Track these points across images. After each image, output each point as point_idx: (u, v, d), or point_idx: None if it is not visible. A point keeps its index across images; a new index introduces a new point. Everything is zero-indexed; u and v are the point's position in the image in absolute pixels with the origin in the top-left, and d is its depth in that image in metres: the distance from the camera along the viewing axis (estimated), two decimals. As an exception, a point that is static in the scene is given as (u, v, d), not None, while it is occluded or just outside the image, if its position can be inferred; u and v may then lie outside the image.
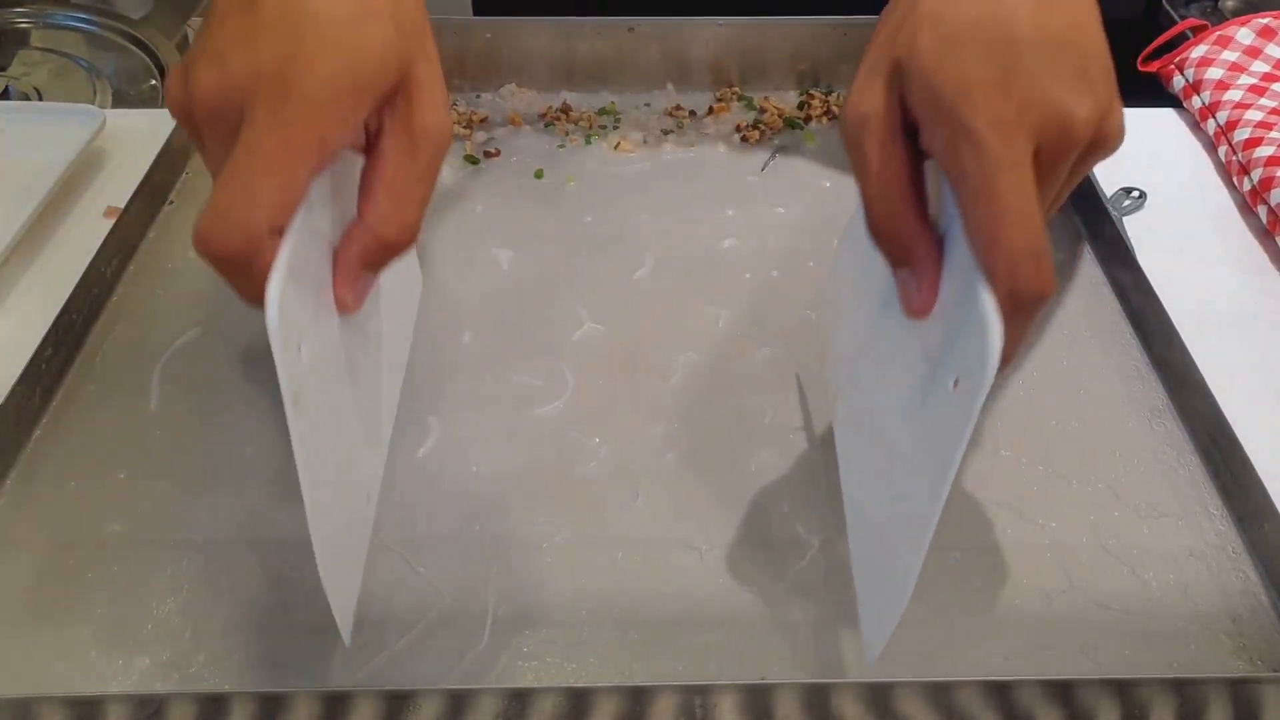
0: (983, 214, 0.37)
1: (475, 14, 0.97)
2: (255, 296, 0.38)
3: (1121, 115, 0.40)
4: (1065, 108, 0.37)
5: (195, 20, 0.84)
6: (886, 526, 0.44)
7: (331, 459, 0.42)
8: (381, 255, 0.41)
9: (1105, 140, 0.40)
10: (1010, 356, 0.39)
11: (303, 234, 0.38)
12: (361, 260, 0.41)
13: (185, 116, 0.39)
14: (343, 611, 0.43)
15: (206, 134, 0.39)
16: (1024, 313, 0.38)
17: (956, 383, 0.39)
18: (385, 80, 0.39)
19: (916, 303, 0.41)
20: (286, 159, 0.37)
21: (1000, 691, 0.43)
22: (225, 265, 0.37)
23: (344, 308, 0.42)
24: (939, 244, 0.41)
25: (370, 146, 0.41)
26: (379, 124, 0.40)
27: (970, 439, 0.37)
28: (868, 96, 0.40)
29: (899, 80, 0.40)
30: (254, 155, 0.37)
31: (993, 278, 0.37)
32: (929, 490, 0.39)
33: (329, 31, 0.38)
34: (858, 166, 0.41)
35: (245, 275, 0.38)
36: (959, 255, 0.39)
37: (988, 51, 0.37)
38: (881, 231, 0.41)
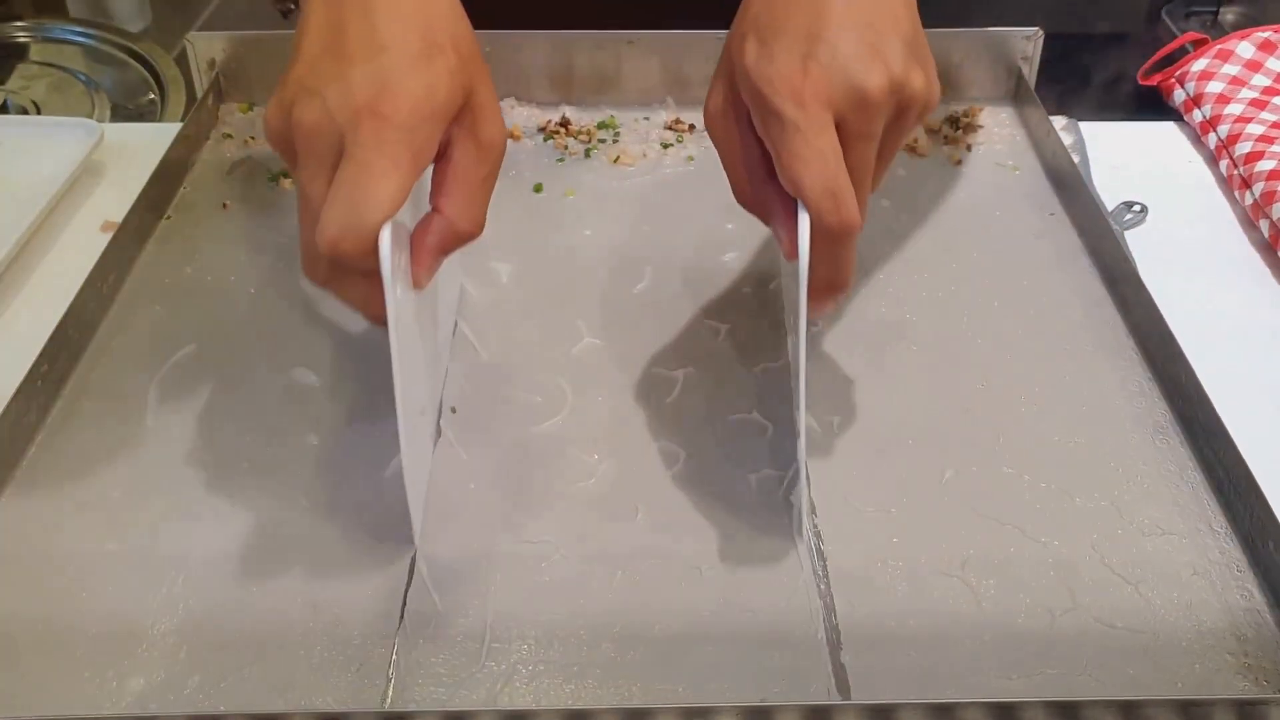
0: (787, 168, 0.46)
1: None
2: (367, 286, 0.46)
3: (925, 80, 0.49)
4: (856, 79, 0.46)
5: (194, 34, 0.84)
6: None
7: (410, 378, 0.49)
8: (454, 243, 0.49)
9: (910, 102, 0.48)
10: (842, 283, 0.50)
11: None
12: (438, 248, 0.49)
13: (284, 143, 0.47)
14: (415, 509, 0.51)
15: (305, 156, 0.46)
16: (838, 242, 0.47)
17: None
18: (455, 103, 0.47)
19: (784, 248, 0.50)
20: (395, 170, 0.44)
21: (1004, 712, 0.43)
22: (350, 259, 0.44)
23: (418, 284, 0.49)
24: (793, 202, 0.49)
25: (441, 155, 0.48)
26: (448, 137, 0.48)
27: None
28: (714, 97, 0.52)
29: (734, 80, 0.50)
30: (367, 170, 0.44)
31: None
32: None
33: (407, 67, 0.45)
34: (718, 154, 0.52)
35: (362, 268, 0.45)
36: None
37: (792, 47, 0.47)
38: (742, 201, 0.52)
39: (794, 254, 0.48)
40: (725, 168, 0.52)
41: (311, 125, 0.45)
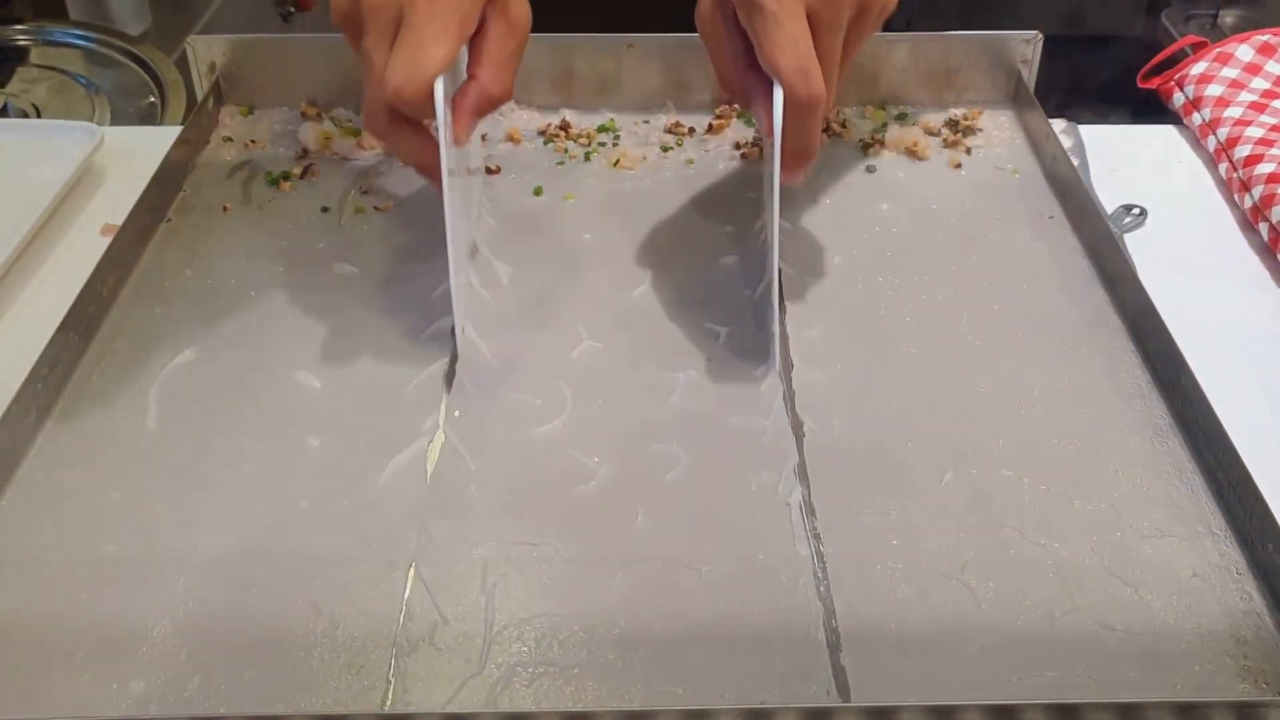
0: (765, 53, 0.55)
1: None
2: (419, 140, 0.58)
3: None
4: None
5: (194, 37, 0.84)
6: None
7: (456, 211, 0.59)
8: (488, 107, 0.59)
9: (870, 3, 0.57)
10: (810, 152, 0.59)
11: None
12: (474, 109, 0.59)
13: (350, 20, 0.57)
14: (458, 315, 0.63)
15: (369, 26, 0.56)
16: (807, 112, 0.56)
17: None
18: None
19: (764, 128, 0.58)
20: (445, 35, 0.55)
21: (1004, 714, 0.43)
22: (410, 105, 0.55)
23: (458, 141, 0.59)
24: (771, 86, 0.56)
25: (476, 34, 0.58)
26: (483, 16, 0.58)
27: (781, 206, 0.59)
28: (703, 1, 0.60)
29: None
30: (422, 35, 0.54)
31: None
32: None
33: None
34: (707, 49, 0.61)
35: (419, 115, 0.56)
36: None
37: None
38: (727, 88, 0.62)
39: (769, 132, 0.56)
40: (713, 60, 0.61)
41: (376, 1, 0.55)
